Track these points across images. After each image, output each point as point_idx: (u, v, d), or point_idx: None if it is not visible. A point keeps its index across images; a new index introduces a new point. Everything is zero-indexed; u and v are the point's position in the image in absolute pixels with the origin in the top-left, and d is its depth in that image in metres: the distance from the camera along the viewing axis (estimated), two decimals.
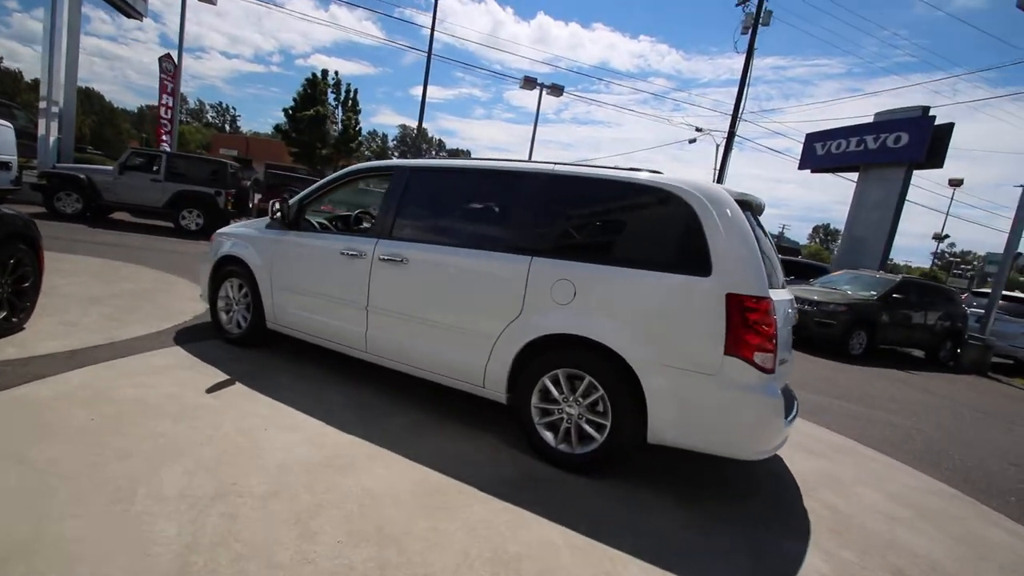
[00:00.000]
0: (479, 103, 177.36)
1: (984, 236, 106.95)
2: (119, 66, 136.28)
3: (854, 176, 21.61)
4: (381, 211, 3.57)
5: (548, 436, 2.94)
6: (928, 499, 3.37)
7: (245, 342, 4.22)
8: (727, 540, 2.45)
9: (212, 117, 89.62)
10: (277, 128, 30.56)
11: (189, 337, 4.26)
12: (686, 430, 2.62)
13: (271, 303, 4.01)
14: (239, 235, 4.29)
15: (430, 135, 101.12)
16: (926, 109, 19.54)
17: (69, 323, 4.11)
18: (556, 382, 2.91)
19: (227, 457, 2.47)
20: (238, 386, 3.39)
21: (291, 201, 3.99)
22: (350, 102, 31.39)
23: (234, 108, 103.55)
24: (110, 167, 10.95)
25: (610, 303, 2.75)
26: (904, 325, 9.58)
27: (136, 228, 10.79)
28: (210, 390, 3.26)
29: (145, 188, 10.70)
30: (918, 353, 10.84)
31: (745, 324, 2.48)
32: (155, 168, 10.81)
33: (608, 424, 2.75)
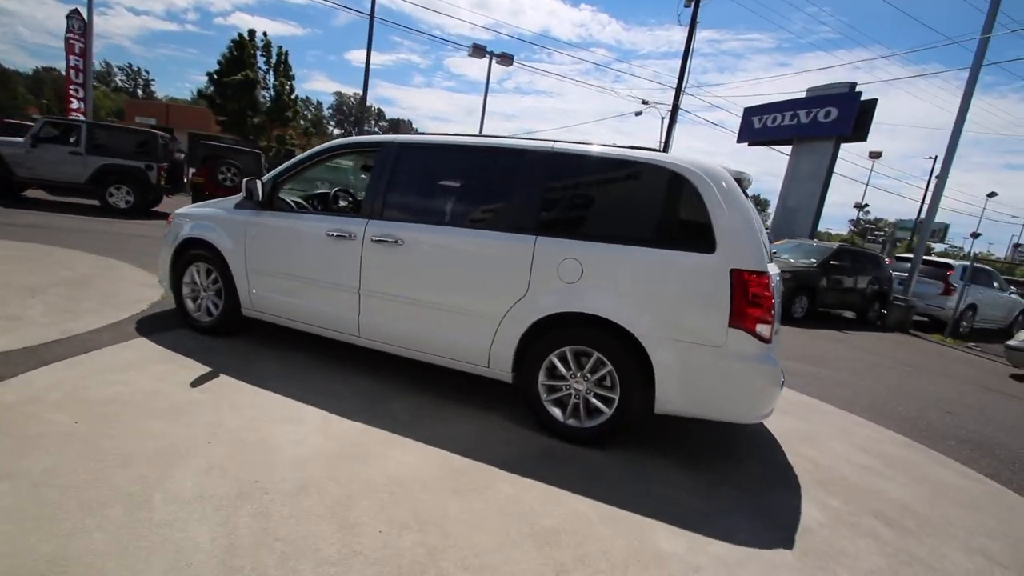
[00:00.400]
0: (418, 70, 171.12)
1: (895, 204, 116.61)
2: (8, 22, 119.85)
3: (786, 149, 22.78)
4: (370, 190, 3.42)
5: (556, 412, 3.00)
6: (887, 448, 3.75)
7: (218, 331, 3.98)
8: (734, 499, 2.63)
9: (121, 81, 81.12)
10: (201, 94, 28.10)
11: (153, 327, 3.96)
12: (692, 399, 2.75)
13: (247, 288, 3.79)
14: (204, 216, 3.99)
15: (368, 104, 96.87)
16: (852, 85, 20.77)
17: (12, 317, 3.71)
18: (563, 359, 2.96)
19: (238, 454, 2.36)
20: (224, 378, 3.21)
21: (264, 179, 3.73)
22: (282, 66, 29.31)
23: (146, 71, 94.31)
24: (20, 139, 9.74)
25: (618, 281, 2.81)
26: (840, 289, 10.38)
27: (58, 207, 9.76)
28: (195, 384, 3.07)
29: (63, 162, 9.64)
30: (849, 314, 11.83)
31: (747, 298, 2.62)
32: (73, 140, 9.74)
33: (616, 398, 2.85)
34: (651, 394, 2.80)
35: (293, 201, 4.05)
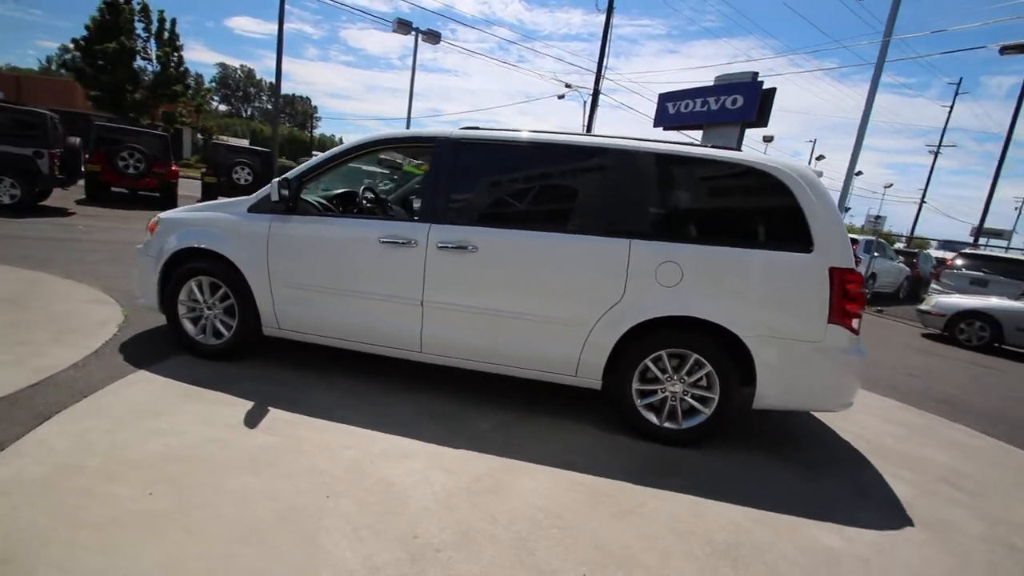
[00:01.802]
0: (311, 41, 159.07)
1: None
2: None
3: (697, 134, 24.36)
4: (427, 191, 3.10)
5: (651, 417, 2.97)
6: (899, 415, 4.19)
7: (229, 354, 3.44)
8: (834, 482, 2.78)
9: None
10: (65, 64, 23.79)
11: (144, 355, 3.34)
12: (789, 393, 2.85)
13: (271, 305, 3.30)
14: (205, 223, 3.39)
15: (258, 77, 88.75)
16: (755, 75, 22.42)
17: None
18: (657, 363, 2.93)
19: (371, 507, 2.05)
20: (279, 413, 2.78)
21: (290, 176, 3.23)
22: (166, 34, 25.70)
23: None
24: None
25: (719, 283, 2.81)
26: None
27: None
28: (251, 424, 2.63)
29: None
30: None
31: (845, 294, 2.74)
32: None
33: (716, 397, 2.87)
34: (751, 391, 2.86)
35: (317, 203, 3.57)
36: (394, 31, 18.90)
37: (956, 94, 31.39)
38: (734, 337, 2.80)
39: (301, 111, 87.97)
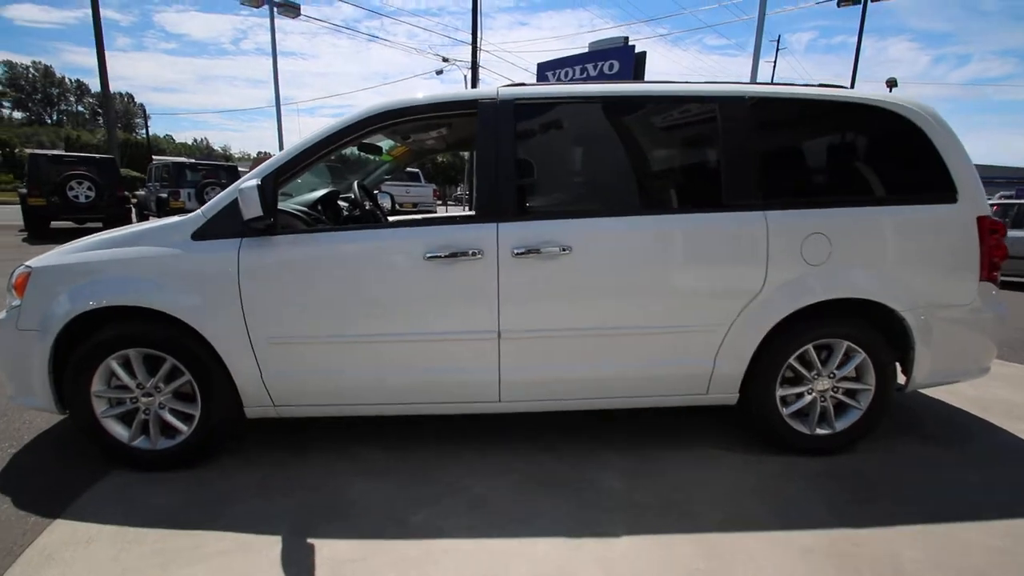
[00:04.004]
0: (119, 28, 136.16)
1: None
2: None
3: None
4: (484, 177, 2.18)
5: (799, 426, 2.43)
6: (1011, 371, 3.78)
7: (193, 458, 2.28)
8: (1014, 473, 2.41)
9: None
10: None
11: (54, 487, 2.09)
12: (940, 367, 2.45)
13: (257, 375, 2.19)
14: (121, 264, 2.14)
15: (59, 75, 74.27)
16: (626, 39, 23.26)
17: None
18: (802, 359, 2.38)
19: None
20: (331, 546, 1.78)
21: (263, 179, 2.09)
22: None
23: None
24: None
25: (871, 252, 2.30)
26: None
27: None
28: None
29: None
30: None
31: (991, 246, 2.38)
32: None
33: (871, 388, 2.40)
34: (906, 373, 2.44)
35: (300, 213, 2.44)
36: (243, 3, 16.22)
37: (777, 51, 35.49)
38: (888, 313, 2.33)
39: (124, 110, 75.66)
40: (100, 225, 10.75)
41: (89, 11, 13.36)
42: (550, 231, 2.15)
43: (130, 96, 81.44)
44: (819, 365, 2.38)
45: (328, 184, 3.31)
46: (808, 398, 2.42)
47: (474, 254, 2.11)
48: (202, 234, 2.14)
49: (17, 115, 66.26)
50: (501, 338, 2.19)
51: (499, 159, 2.15)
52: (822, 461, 2.40)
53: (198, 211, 2.19)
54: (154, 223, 2.27)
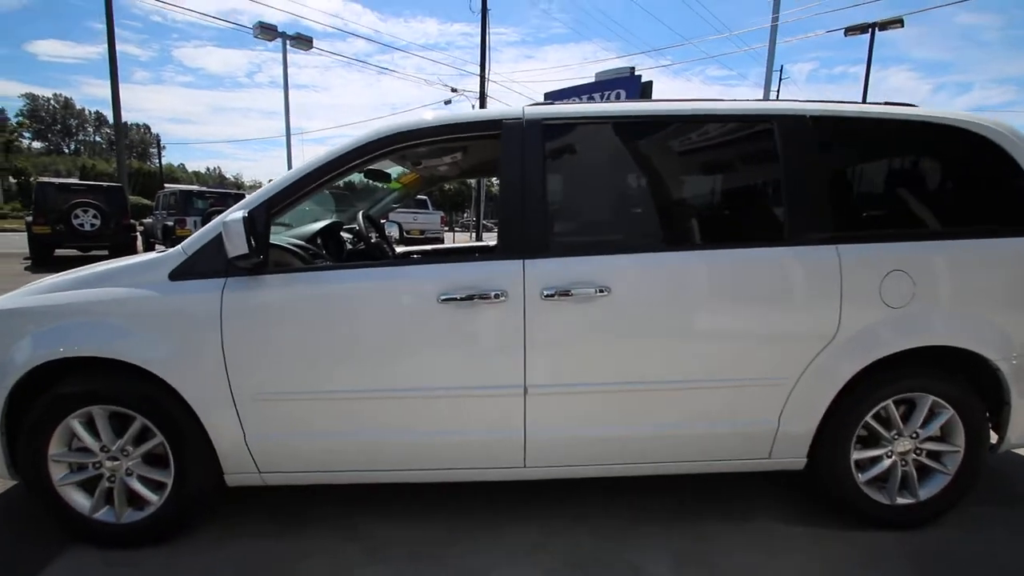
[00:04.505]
0: (139, 64, 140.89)
1: None
2: None
3: None
4: (507, 209, 1.88)
5: (877, 495, 2.06)
6: None
7: (166, 532, 1.94)
8: None
9: None
10: None
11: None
12: None
13: (240, 437, 1.86)
14: (86, 308, 1.84)
15: (78, 107, 76.47)
16: (633, 70, 23.46)
17: None
18: (879, 417, 2.03)
19: None
20: None
21: (254, 208, 1.81)
22: None
23: None
24: None
25: (957, 291, 1.97)
26: None
27: None
28: None
29: None
30: None
31: None
32: None
33: (960, 448, 2.04)
34: (999, 432, 2.07)
35: (294, 248, 2.15)
36: (256, 36, 16.41)
37: (780, 80, 35.72)
38: (979, 363, 1.98)
39: (139, 140, 77.49)
40: (106, 253, 10.61)
41: (106, 47, 13.57)
42: (585, 269, 1.84)
43: (147, 127, 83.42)
44: (900, 424, 2.03)
45: (332, 213, 3.05)
46: (887, 462, 2.06)
47: (497, 296, 1.80)
48: (181, 273, 1.85)
49: (36, 145, 67.92)
50: (528, 394, 1.86)
51: (526, 186, 1.86)
52: (904, 537, 2.02)
53: (178, 247, 1.90)
54: (127, 260, 2.00)
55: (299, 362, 1.84)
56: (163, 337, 1.81)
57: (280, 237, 2.19)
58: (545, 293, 1.81)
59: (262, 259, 1.78)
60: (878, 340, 1.91)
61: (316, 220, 2.80)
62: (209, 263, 1.84)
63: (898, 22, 16.25)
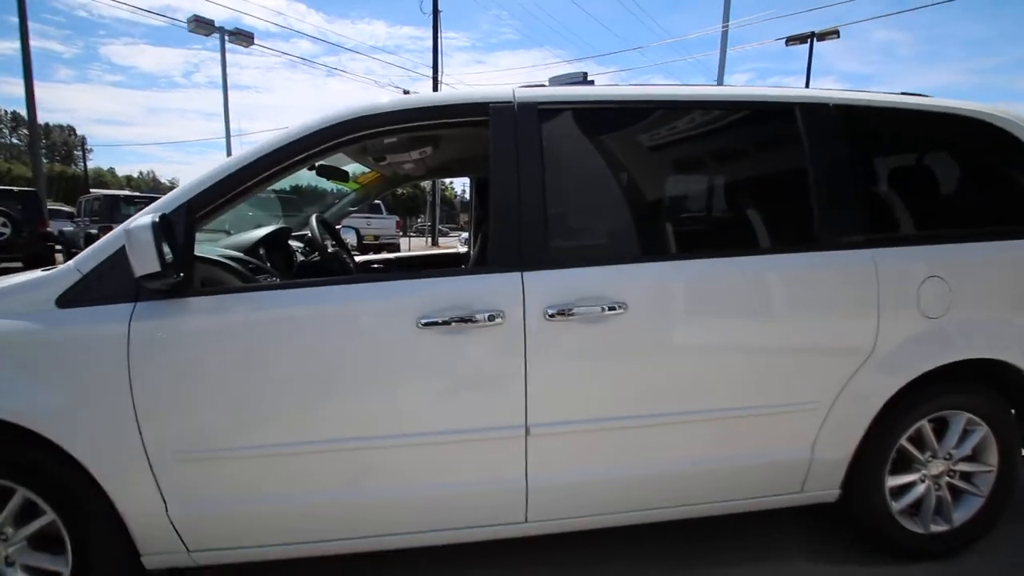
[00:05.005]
0: (62, 61, 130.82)
1: None
2: None
3: None
4: (499, 211, 1.55)
5: (911, 525, 1.85)
6: None
7: None
8: None
9: None
10: None
11: None
12: None
13: (160, 508, 1.44)
14: None
15: None
16: (585, 74, 23.58)
17: None
18: (913, 438, 1.82)
19: None
20: None
21: (170, 210, 1.39)
22: None
23: None
24: None
25: (995, 298, 1.80)
26: None
27: None
28: None
29: None
30: None
31: None
32: None
33: (993, 468, 1.86)
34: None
35: (228, 260, 1.72)
36: (191, 31, 15.32)
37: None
38: (1017, 376, 1.82)
39: (62, 142, 71.91)
40: (20, 265, 9.47)
41: (31, 43, 12.21)
42: (596, 282, 1.53)
43: (71, 128, 77.53)
44: (934, 444, 1.83)
45: (278, 219, 2.61)
46: (921, 488, 1.86)
47: (491, 319, 1.46)
48: (73, 298, 1.41)
49: None
50: (529, 435, 1.53)
51: (523, 183, 1.53)
52: (939, 568, 1.83)
53: (69, 263, 1.45)
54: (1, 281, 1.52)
55: (237, 410, 1.44)
56: (45, 383, 1.36)
57: (211, 248, 1.76)
58: (549, 312, 1.48)
59: (181, 277, 1.36)
60: (919, 354, 1.70)
61: (259, 226, 2.37)
62: (112, 284, 1.41)
63: (834, 33, 17.03)
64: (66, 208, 22.56)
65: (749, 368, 1.64)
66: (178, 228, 1.38)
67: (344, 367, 1.47)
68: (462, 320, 1.45)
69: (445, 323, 1.44)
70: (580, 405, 1.55)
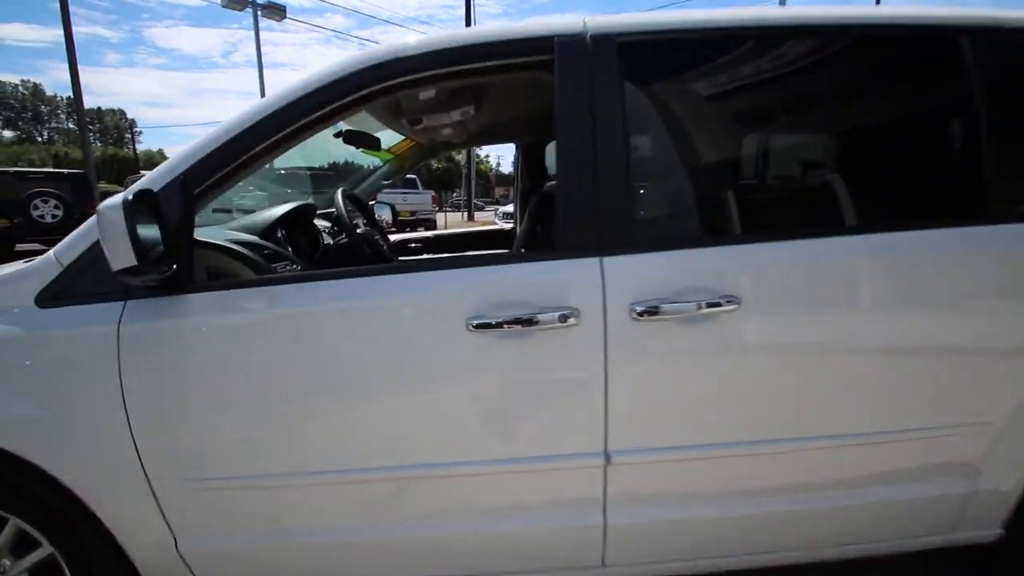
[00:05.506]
0: (109, 46, 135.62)
1: None
2: None
3: None
4: (568, 177, 1.19)
5: None
6: None
7: None
8: None
9: None
10: None
11: None
12: None
13: (166, 539, 1.21)
14: None
15: (49, 93, 73.63)
16: None
17: None
18: None
19: None
20: None
21: (160, 186, 1.12)
22: None
23: None
24: None
25: None
26: None
27: None
28: None
29: None
30: None
31: None
32: None
33: None
34: None
35: (238, 246, 1.45)
36: (224, 7, 15.28)
37: None
38: None
39: (113, 125, 75.01)
40: None
41: (77, 29, 12.45)
42: (698, 270, 1.17)
43: (122, 112, 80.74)
44: None
45: (305, 194, 2.33)
46: None
47: (564, 319, 1.12)
48: (54, 294, 1.16)
49: (7, 134, 65.40)
50: (610, 464, 1.20)
51: (599, 141, 1.17)
52: None
53: (49, 253, 1.21)
54: None
55: (250, 427, 1.17)
56: (20, 394, 1.13)
57: (217, 232, 1.49)
58: (636, 310, 1.14)
59: (180, 268, 1.09)
60: None
61: (286, 201, 2.10)
62: (97, 278, 1.15)
63: None
64: (119, 189, 23.55)
65: (897, 380, 1.25)
66: (170, 208, 1.10)
67: (378, 380, 1.18)
68: (523, 322, 1.12)
69: (499, 326, 1.12)
70: (673, 429, 1.21)
